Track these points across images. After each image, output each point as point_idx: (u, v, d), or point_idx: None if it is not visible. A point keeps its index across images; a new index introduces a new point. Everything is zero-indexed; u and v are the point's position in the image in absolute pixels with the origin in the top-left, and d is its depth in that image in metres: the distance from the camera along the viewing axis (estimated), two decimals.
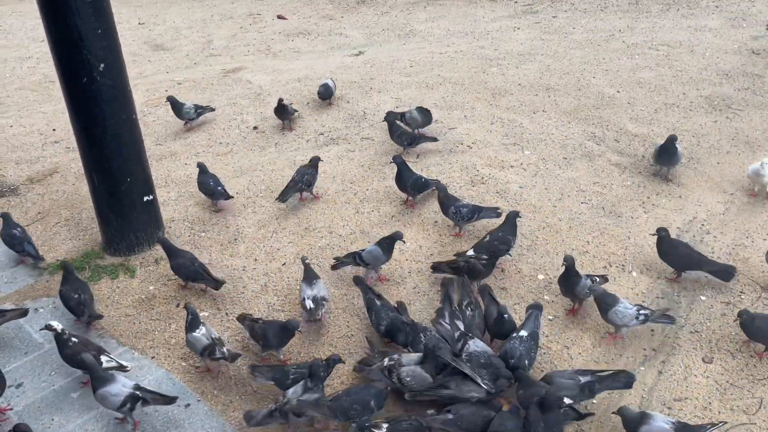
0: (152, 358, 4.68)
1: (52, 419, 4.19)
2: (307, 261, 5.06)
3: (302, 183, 6.20)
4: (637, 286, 5.10)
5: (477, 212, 5.62)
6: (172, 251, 5.25)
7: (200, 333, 4.46)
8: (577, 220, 5.85)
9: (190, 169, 7.10)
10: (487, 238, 5.27)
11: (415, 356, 4.16)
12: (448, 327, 4.47)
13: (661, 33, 10.41)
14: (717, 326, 4.68)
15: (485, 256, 5.01)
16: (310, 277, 4.91)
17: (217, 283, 5.16)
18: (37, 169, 7.32)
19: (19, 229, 5.69)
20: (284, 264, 5.52)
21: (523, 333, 4.28)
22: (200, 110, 8.05)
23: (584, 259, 5.37)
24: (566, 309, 4.88)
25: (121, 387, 4.01)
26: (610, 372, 4.11)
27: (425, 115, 7.25)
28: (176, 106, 7.92)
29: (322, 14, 14.00)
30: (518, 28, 11.54)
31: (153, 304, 5.17)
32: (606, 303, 4.49)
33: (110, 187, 5.43)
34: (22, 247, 5.61)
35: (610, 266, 5.30)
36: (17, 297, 5.29)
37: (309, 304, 4.75)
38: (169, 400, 4.07)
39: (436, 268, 5.19)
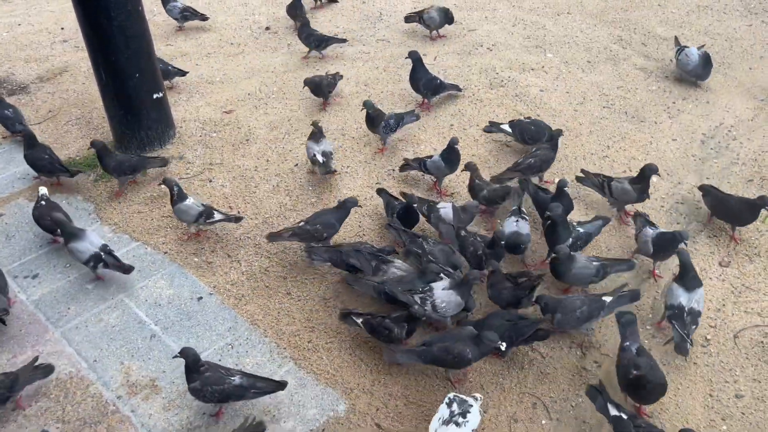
0: (165, 253, 4.70)
1: (68, 308, 4.26)
2: (319, 124, 5.18)
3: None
4: (657, 191, 4.97)
5: (400, 120, 5.46)
6: None
7: (190, 202, 4.63)
8: (599, 125, 5.67)
9: (201, 70, 6.93)
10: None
11: (444, 282, 3.90)
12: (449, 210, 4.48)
13: None
14: (737, 232, 4.57)
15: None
16: (316, 135, 5.12)
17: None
18: (47, 68, 7.17)
19: (11, 109, 5.81)
20: (296, 165, 5.44)
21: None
22: (187, 13, 7.62)
23: (603, 164, 5.22)
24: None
25: (88, 245, 4.27)
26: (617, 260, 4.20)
27: (444, 15, 6.94)
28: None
29: None
30: None
31: (165, 202, 5.14)
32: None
33: (118, 82, 5.30)
34: (14, 127, 5.73)
35: (630, 171, 5.15)
36: (30, 192, 5.28)
37: (320, 158, 4.99)
38: (126, 269, 4.29)
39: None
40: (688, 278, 3.76)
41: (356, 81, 6.46)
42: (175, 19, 7.70)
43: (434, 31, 7.10)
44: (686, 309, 3.68)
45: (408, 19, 7.18)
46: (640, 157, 5.29)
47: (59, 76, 7.02)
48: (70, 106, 6.45)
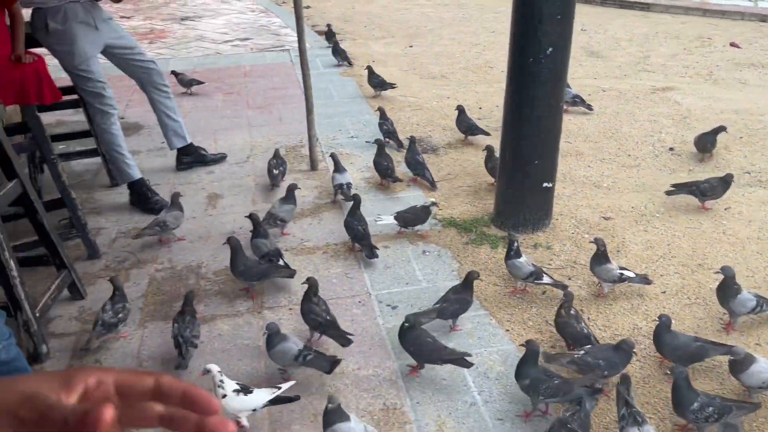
0: (506, 331, 4.80)
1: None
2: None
3: None
4: None
5: None
6: None
7: (523, 260, 4.96)
8: None
9: (591, 171, 7.04)
10: None
11: None
12: None
13: None
14: None
15: None
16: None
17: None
18: (458, 137, 8.12)
19: (420, 156, 6.88)
20: (664, 292, 5.06)
21: None
22: (577, 99, 8.56)
23: None
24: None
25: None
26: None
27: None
28: (370, 75, 8.86)
29: None
30: None
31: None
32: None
33: (518, 164, 5.70)
34: (422, 172, 6.74)
35: None
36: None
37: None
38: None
39: None
40: None
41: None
42: (374, 87, 8.97)
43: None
44: None
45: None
46: None
47: (465, 147, 7.87)
48: (466, 174, 7.16)
